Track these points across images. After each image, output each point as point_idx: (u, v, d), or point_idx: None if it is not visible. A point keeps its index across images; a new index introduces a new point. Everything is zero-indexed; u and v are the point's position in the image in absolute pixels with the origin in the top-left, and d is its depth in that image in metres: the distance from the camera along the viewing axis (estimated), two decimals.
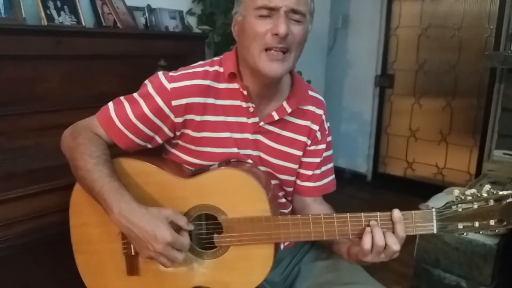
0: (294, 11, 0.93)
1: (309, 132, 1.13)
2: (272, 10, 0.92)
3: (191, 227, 0.96)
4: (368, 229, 0.91)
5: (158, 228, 0.89)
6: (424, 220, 0.91)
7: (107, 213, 0.93)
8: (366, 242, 0.90)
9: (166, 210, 0.93)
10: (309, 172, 1.15)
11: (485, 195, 0.88)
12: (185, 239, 0.93)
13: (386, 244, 0.90)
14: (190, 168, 1.08)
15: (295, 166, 1.14)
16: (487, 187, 0.88)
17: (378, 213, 0.92)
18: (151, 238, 0.89)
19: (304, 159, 1.14)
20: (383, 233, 0.90)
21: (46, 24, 1.61)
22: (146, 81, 1.05)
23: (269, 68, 0.96)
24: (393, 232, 0.91)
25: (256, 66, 0.97)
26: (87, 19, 1.80)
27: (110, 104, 1.04)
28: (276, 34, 0.92)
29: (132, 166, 1.02)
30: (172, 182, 1.01)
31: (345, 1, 3.67)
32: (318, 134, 1.14)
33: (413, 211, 0.91)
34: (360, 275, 1.08)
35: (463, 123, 3.25)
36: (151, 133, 1.03)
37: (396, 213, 0.91)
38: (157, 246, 0.89)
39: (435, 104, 3.36)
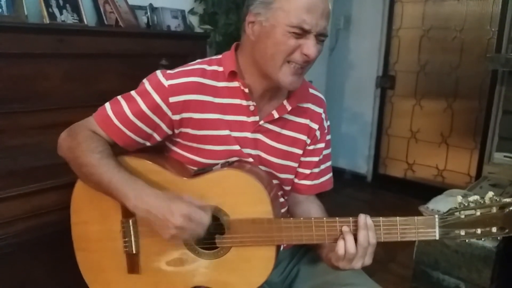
0: (322, 34, 0.96)
1: (308, 131, 1.13)
2: (304, 31, 0.93)
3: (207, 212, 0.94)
4: (341, 235, 0.93)
5: (173, 203, 0.90)
6: (426, 226, 0.91)
7: (121, 202, 0.93)
8: (341, 247, 0.92)
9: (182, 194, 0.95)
10: (307, 171, 1.15)
11: (488, 202, 0.87)
12: (202, 212, 0.92)
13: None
14: (193, 168, 1.08)
15: (295, 165, 1.14)
16: (490, 193, 0.87)
17: (381, 218, 0.92)
18: (168, 213, 0.89)
19: (303, 158, 1.14)
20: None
21: (48, 22, 1.61)
22: (144, 80, 1.05)
23: (289, 81, 0.99)
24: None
25: (275, 75, 0.98)
26: (89, 17, 1.80)
27: (107, 104, 1.04)
28: (305, 55, 0.95)
29: (135, 164, 1.02)
30: (174, 182, 1.00)
31: (347, 2, 3.66)
32: (318, 133, 1.14)
33: (416, 217, 0.91)
34: (359, 277, 1.08)
35: (464, 125, 3.24)
36: (149, 131, 1.03)
37: (368, 218, 0.92)
38: (174, 220, 0.89)
39: (436, 105, 3.36)
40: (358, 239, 0.91)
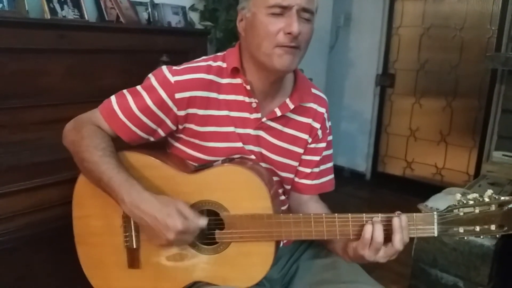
0: (305, 9, 0.94)
1: (310, 130, 1.13)
2: (284, 9, 0.92)
3: (202, 222, 0.95)
4: (370, 221, 0.91)
5: (169, 217, 0.90)
6: (425, 223, 0.91)
7: (118, 203, 0.94)
8: (367, 231, 0.90)
9: (178, 201, 0.94)
10: (308, 170, 1.15)
11: (487, 199, 0.87)
12: (196, 225, 0.94)
13: (390, 242, 0.90)
14: (194, 163, 1.08)
15: (296, 164, 1.14)
16: (489, 191, 0.87)
17: (379, 215, 0.92)
18: (163, 227, 0.90)
19: (304, 157, 1.15)
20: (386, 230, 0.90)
21: (49, 17, 1.61)
22: (150, 75, 1.05)
23: (283, 61, 0.96)
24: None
25: (269, 62, 0.97)
26: (90, 13, 1.80)
27: (113, 97, 1.05)
28: (289, 33, 0.93)
29: (136, 159, 1.02)
30: (175, 177, 1.01)
31: None
32: (319, 132, 1.15)
33: (414, 214, 0.91)
34: (358, 274, 1.08)
35: (463, 124, 3.25)
36: (154, 126, 1.04)
37: (403, 218, 0.90)
38: (168, 235, 0.90)
39: (436, 104, 3.36)
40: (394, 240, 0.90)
